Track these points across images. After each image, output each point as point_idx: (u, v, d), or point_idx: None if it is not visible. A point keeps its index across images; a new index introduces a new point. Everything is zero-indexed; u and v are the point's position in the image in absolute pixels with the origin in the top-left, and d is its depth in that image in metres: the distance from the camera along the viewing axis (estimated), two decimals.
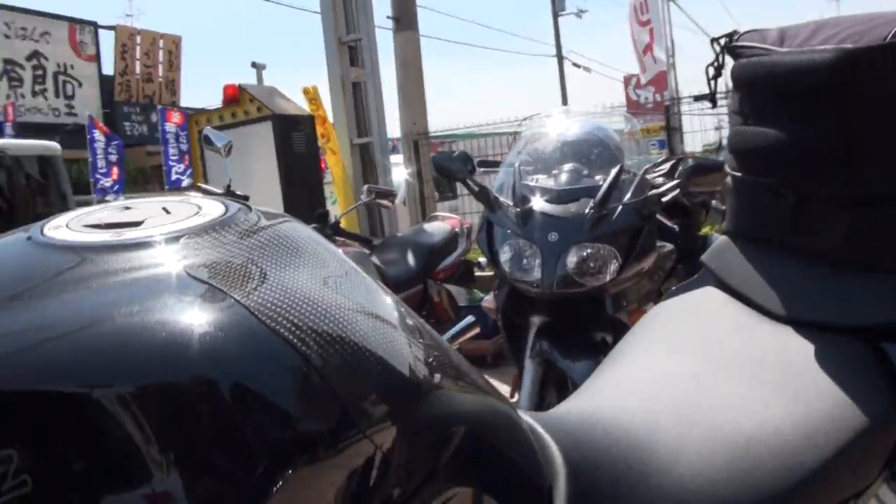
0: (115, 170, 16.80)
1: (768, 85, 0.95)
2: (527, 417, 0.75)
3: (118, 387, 0.45)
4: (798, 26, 0.97)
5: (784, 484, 0.77)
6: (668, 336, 1.01)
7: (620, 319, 2.70)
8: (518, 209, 2.70)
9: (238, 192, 3.93)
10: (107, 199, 15.24)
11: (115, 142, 16.86)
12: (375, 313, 0.61)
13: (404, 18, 6.59)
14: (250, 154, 5.65)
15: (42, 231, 0.59)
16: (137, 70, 26.70)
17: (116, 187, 16.54)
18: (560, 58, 27.99)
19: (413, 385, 0.58)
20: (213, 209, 0.65)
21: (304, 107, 6.44)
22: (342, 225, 6.03)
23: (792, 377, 0.87)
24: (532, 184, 2.77)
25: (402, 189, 6.95)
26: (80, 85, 24.79)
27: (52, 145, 6.40)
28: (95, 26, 25.90)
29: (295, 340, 0.50)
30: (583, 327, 2.71)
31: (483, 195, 2.88)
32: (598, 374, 0.97)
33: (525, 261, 2.65)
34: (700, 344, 0.97)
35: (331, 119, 6.69)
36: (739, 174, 0.99)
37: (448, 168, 3.01)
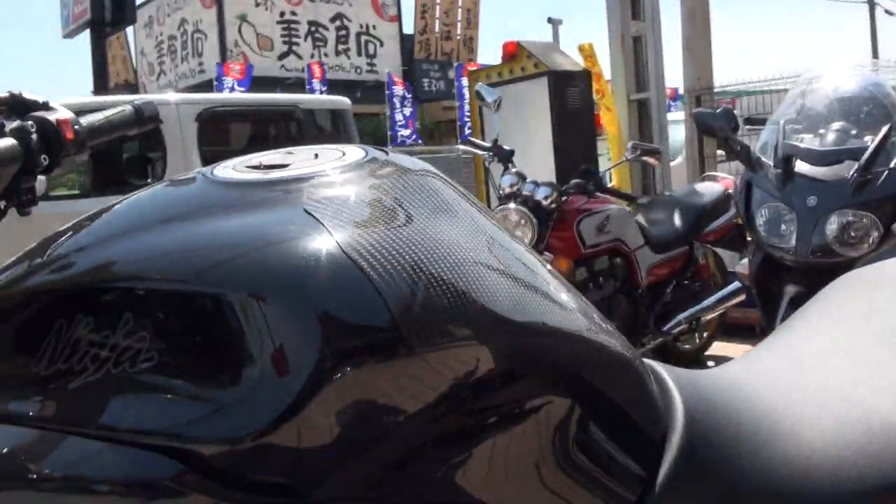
0: (411, 123, 17.83)
1: None
2: (657, 367, 0.75)
3: (224, 290, 0.57)
4: None
5: (868, 443, 0.71)
6: (842, 307, 0.94)
7: None
8: (778, 170, 2.56)
9: (505, 147, 4.03)
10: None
11: (409, 96, 17.82)
12: (479, 256, 0.64)
13: None
14: (526, 109, 5.74)
15: (213, 171, 0.71)
16: (437, 28, 27.86)
17: (412, 138, 17.56)
18: (871, 2, 25.55)
19: (500, 319, 0.61)
20: (354, 156, 0.71)
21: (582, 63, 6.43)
22: (613, 183, 5.99)
23: None
24: (796, 143, 2.61)
25: (682, 147, 6.76)
26: (382, 44, 26.34)
27: (342, 100, 6.88)
28: None
29: (371, 272, 0.57)
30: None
31: (744, 155, 2.75)
32: (762, 344, 0.93)
33: (782, 226, 2.51)
34: (871, 317, 0.90)
35: (607, 75, 6.61)
36: None
37: (709, 125, 2.90)
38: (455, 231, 0.65)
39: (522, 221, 3.65)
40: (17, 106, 0.96)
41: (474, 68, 11.50)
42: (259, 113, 6.50)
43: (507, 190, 3.80)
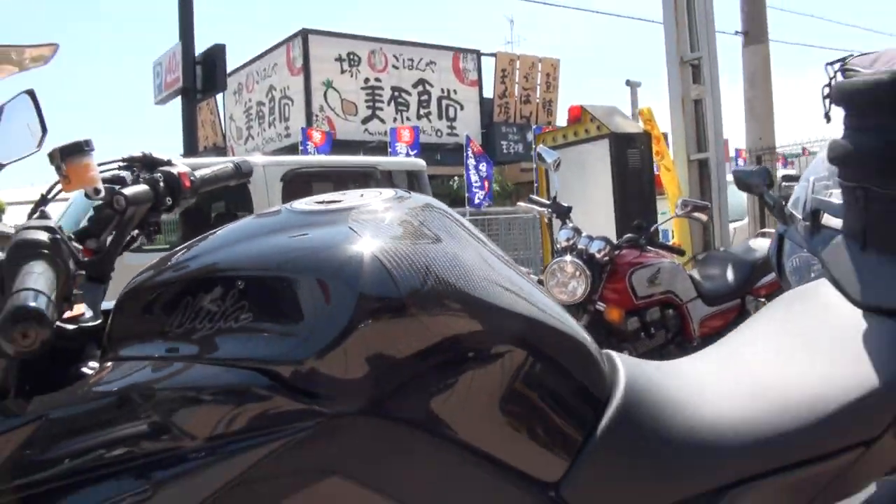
0: (486, 184, 18.18)
1: (849, 101, 1.12)
2: (611, 352, 1.06)
3: (294, 274, 0.92)
4: (890, 50, 1.12)
5: (788, 425, 0.99)
6: (773, 319, 1.23)
7: None
8: (806, 223, 2.77)
9: (563, 203, 4.34)
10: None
11: (484, 161, 18.19)
12: (473, 259, 0.97)
13: (754, 31, 6.59)
14: (589, 169, 6.06)
15: (292, 205, 1.07)
16: (516, 92, 28.36)
17: (486, 200, 17.93)
18: None
19: (497, 307, 0.95)
20: (387, 195, 1.05)
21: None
22: (675, 241, 6.19)
23: (843, 350, 1.06)
24: (823, 198, 2.82)
25: (745, 205, 6.95)
26: (462, 107, 26.94)
27: (418, 162, 7.30)
28: (478, 54, 27.85)
29: (389, 266, 0.90)
30: None
31: (777, 209, 2.98)
32: (708, 348, 1.23)
33: (811, 273, 2.71)
34: (794, 326, 1.18)
35: (668, 135, 6.88)
36: (839, 179, 1.17)
37: (746, 182, 3.15)
38: (451, 245, 0.98)
39: (577, 273, 3.92)
40: (148, 162, 1.33)
41: (544, 131, 11.90)
42: (340, 174, 6.95)
43: (564, 243, 4.10)
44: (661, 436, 1.01)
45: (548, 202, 4.48)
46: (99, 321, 1.09)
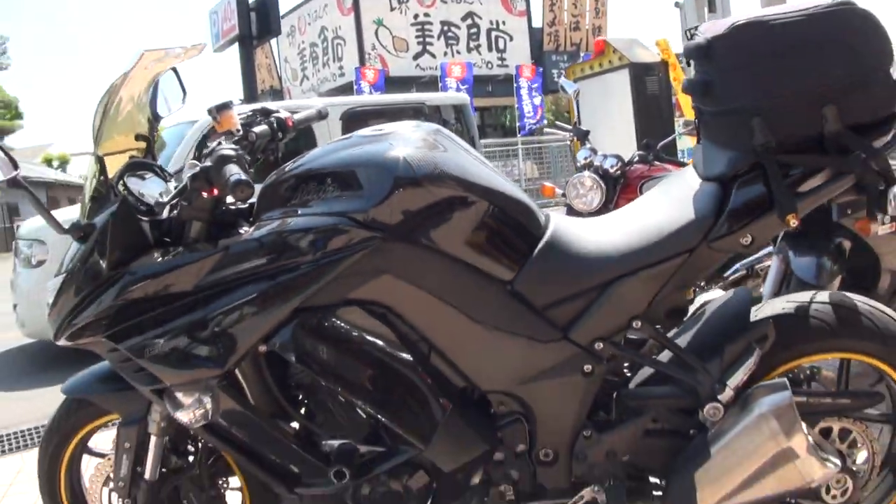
0: (539, 110, 18.62)
1: (688, 55, 1.88)
2: (548, 212, 1.86)
3: (356, 167, 1.73)
4: (712, 22, 1.87)
5: (645, 242, 1.78)
6: (656, 190, 2.01)
7: (844, 225, 3.36)
8: None
9: (582, 128, 5.07)
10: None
11: (538, 85, 18.60)
12: (465, 160, 1.77)
13: None
14: (612, 96, 6.76)
15: (357, 133, 1.86)
16: (565, 20, 28.51)
17: (538, 123, 18.43)
18: None
19: (477, 186, 1.74)
20: (412, 125, 1.84)
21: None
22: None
23: (682, 201, 1.83)
24: None
25: None
26: (511, 38, 27.26)
27: (462, 96, 8.07)
28: None
29: (409, 159, 1.71)
30: (817, 232, 3.44)
31: None
32: (610, 213, 2.03)
33: None
34: (662, 191, 1.96)
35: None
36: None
37: None
38: (450, 151, 1.78)
39: (593, 186, 4.67)
40: (265, 111, 2.14)
41: (571, 65, 12.41)
42: (393, 111, 7.75)
43: (582, 162, 4.85)
44: (572, 253, 1.81)
45: (570, 127, 5.21)
46: (246, 206, 1.91)
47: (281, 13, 18.70)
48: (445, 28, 26.45)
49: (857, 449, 1.90)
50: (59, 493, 2.21)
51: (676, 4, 14.65)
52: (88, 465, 2.25)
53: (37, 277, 6.10)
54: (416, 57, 26.44)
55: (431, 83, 22.33)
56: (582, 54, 22.82)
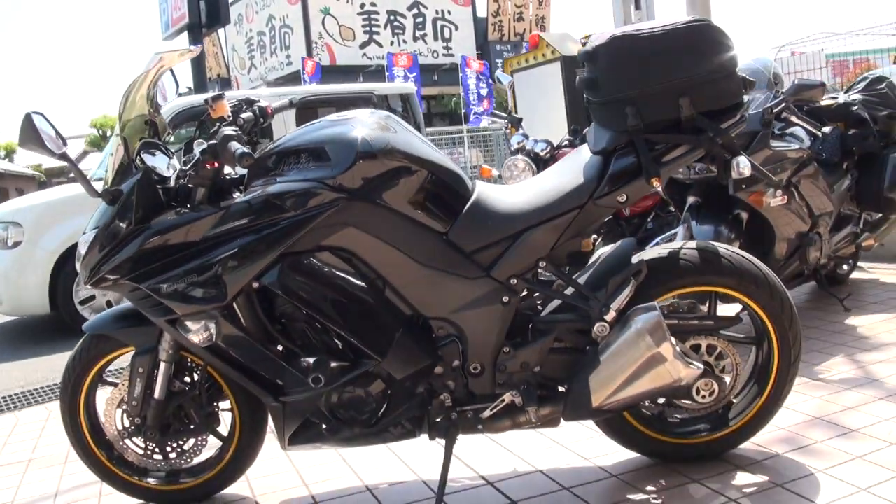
0: (485, 101, 19.09)
1: (581, 59, 2.43)
2: (475, 180, 2.40)
3: (324, 144, 2.27)
4: (599, 33, 2.43)
5: (546, 201, 2.33)
6: (560, 162, 2.57)
7: (741, 198, 3.92)
8: None
9: (516, 115, 5.64)
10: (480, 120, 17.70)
11: (485, 79, 19.10)
12: (410, 139, 2.31)
13: None
14: (546, 87, 7.33)
15: (326, 118, 2.40)
16: (510, 10, 29.11)
17: (486, 112, 18.93)
18: None
19: (419, 158, 2.28)
20: (368, 112, 2.37)
21: None
22: None
23: (575, 170, 2.39)
24: None
25: None
26: (457, 28, 27.78)
27: (409, 86, 8.59)
28: None
29: (366, 137, 2.23)
30: (717, 204, 4.00)
31: None
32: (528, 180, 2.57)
33: None
34: (563, 164, 2.51)
35: None
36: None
37: None
38: (399, 132, 2.32)
39: (525, 167, 5.24)
40: (249, 101, 2.65)
41: (510, 57, 12.91)
42: (343, 100, 8.21)
43: (515, 146, 5.42)
44: (492, 210, 2.35)
45: (505, 115, 5.77)
46: (238, 176, 2.42)
47: (229, 1, 18.93)
48: (392, 17, 26.88)
49: (723, 361, 2.47)
50: (79, 420, 2.68)
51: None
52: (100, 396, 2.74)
53: (13, 258, 6.53)
54: (362, 46, 26.83)
55: (378, 72, 22.74)
56: (524, 44, 23.42)
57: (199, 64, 15.74)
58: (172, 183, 2.39)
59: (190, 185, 2.31)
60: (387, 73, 20.05)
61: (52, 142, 2.34)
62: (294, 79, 24.48)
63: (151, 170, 2.35)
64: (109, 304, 6.55)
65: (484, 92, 19.16)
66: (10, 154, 46.67)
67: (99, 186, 2.41)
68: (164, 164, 2.41)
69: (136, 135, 2.44)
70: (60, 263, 6.55)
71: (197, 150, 2.28)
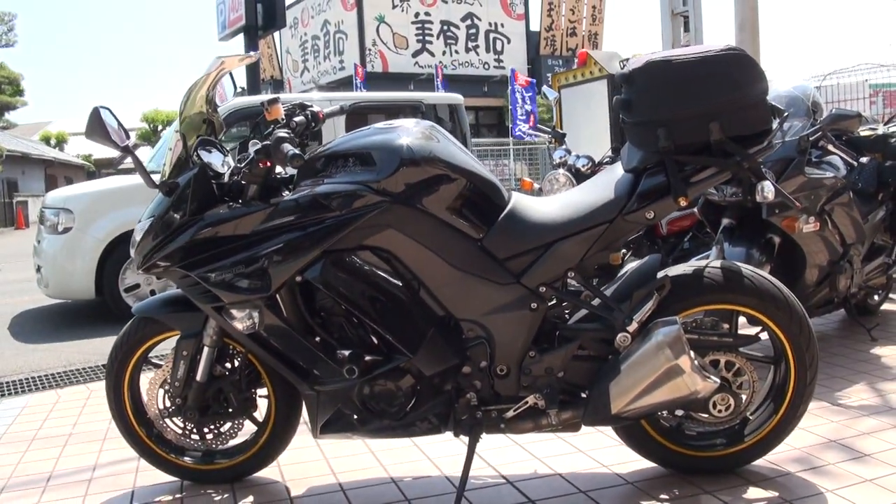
0: (531, 118, 19.16)
1: (619, 81, 2.55)
2: (512, 191, 2.53)
3: (370, 149, 2.42)
4: (637, 57, 2.54)
5: (577, 214, 2.44)
6: (592, 179, 2.68)
7: (774, 223, 3.99)
8: None
9: (560, 131, 5.75)
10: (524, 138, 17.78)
11: (531, 94, 19.15)
12: (452, 149, 2.45)
13: None
14: (591, 104, 7.44)
15: (374, 125, 2.54)
16: (563, 25, 29.17)
17: (530, 131, 19.02)
18: None
19: (459, 168, 2.43)
20: (414, 121, 2.52)
21: None
22: None
23: (606, 186, 2.50)
24: None
25: None
26: (509, 41, 27.92)
27: (456, 97, 8.70)
28: None
29: (412, 146, 2.38)
30: (751, 227, 4.07)
31: None
32: (564, 192, 2.70)
33: None
34: (596, 180, 2.63)
35: None
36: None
37: None
38: (442, 141, 2.46)
39: (566, 182, 5.35)
40: (302, 105, 2.80)
41: (560, 72, 12.98)
42: (392, 107, 8.42)
43: (557, 160, 5.53)
44: (526, 220, 2.47)
45: (549, 130, 5.88)
46: (288, 175, 2.57)
47: (286, 5, 19.23)
48: (445, 27, 27.08)
49: (740, 378, 2.56)
50: (123, 397, 2.84)
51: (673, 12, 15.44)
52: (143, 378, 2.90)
53: (63, 243, 6.78)
54: (415, 54, 27.05)
55: (429, 81, 22.92)
56: (575, 60, 23.47)
57: (253, 66, 16.03)
58: (226, 179, 2.54)
59: (242, 182, 2.46)
60: (437, 83, 20.22)
61: (115, 134, 2.51)
62: (345, 83, 24.77)
63: (207, 165, 2.50)
64: (153, 293, 6.74)
65: (529, 108, 19.14)
66: (60, 143, 47.74)
67: (156, 178, 2.57)
68: (219, 161, 2.56)
69: (194, 132, 2.60)
70: (108, 251, 6.77)
71: (251, 149, 2.43)
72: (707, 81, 2.36)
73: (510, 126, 19.71)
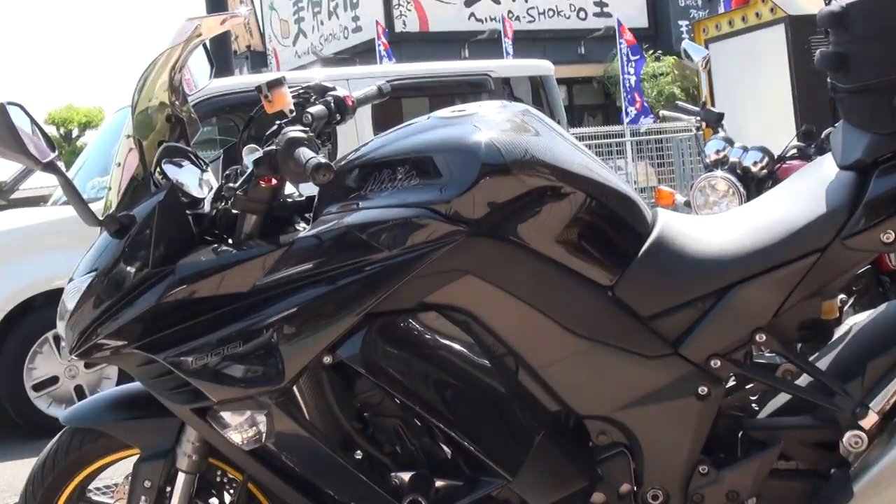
0: (636, 96, 19.08)
1: (819, 24, 2.50)
2: (657, 208, 2.49)
3: (434, 153, 2.42)
4: None
5: (767, 242, 2.38)
6: (786, 183, 2.63)
7: None
8: None
9: (713, 109, 5.65)
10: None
11: (637, 56, 19.11)
12: (560, 146, 2.42)
13: None
14: (761, 66, 7.31)
15: (436, 114, 2.57)
16: None
17: (639, 115, 18.93)
18: None
19: (575, 175, 2.39)
20: (497, 104, 2.50)
21: None
22: None
23: (814, 194, 2.44)
24: None
25: None
26: None
27: (545, 64, 8.59)
28: None
29: (496, 143, 2.35)
30: None
31: None
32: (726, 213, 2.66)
33: None
34: (793, 185, 2.58)
35: None
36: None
37: None
38: (542, 134, 2.44)
39: (729, 190, 5.26)
40: (320, 89, 2.80)
41: (703, 19, 12.74)
42: (442, 86, 8.43)
43: (713, 157, 5.45)
44: (683, 254, 2.42)
45: (696, 109, 5.80)
46: (303, 199, 2.55)
47: None
48: None
49: None
50: None
51: None
52: None
53: None
54: (469, 2, 26.83)
55: (491, 41, 22.84)
56: (722, 2, 23.20)
57: (221, 34, 16.09)
58: (207, 207, 2.53)
59: (234, 211, 2.45)
60: (504, 45, 20.24)
61: (32, 144, 2.48)
62: (363, 52, 24.75)
63: (178, 187, 2.49)
64: (80, 392, 6.72)
65: (632, 82, 18.85)
66: None
67: (97, 210, 2.55)
68: (195, 180, 2.55)
69: (156, 136, 2.59)
70: (6, 326, 6.68)
71: (247, 159, 2.40)
72: None
73: (623, 107, 19.52)
